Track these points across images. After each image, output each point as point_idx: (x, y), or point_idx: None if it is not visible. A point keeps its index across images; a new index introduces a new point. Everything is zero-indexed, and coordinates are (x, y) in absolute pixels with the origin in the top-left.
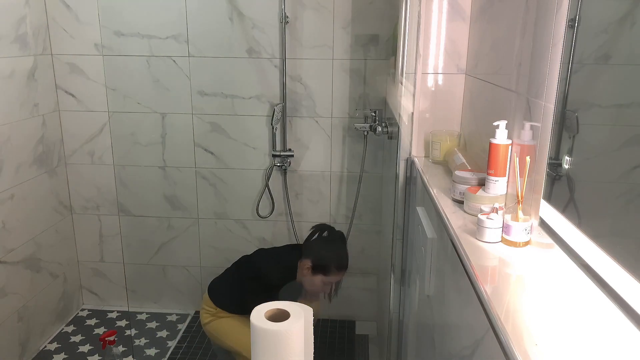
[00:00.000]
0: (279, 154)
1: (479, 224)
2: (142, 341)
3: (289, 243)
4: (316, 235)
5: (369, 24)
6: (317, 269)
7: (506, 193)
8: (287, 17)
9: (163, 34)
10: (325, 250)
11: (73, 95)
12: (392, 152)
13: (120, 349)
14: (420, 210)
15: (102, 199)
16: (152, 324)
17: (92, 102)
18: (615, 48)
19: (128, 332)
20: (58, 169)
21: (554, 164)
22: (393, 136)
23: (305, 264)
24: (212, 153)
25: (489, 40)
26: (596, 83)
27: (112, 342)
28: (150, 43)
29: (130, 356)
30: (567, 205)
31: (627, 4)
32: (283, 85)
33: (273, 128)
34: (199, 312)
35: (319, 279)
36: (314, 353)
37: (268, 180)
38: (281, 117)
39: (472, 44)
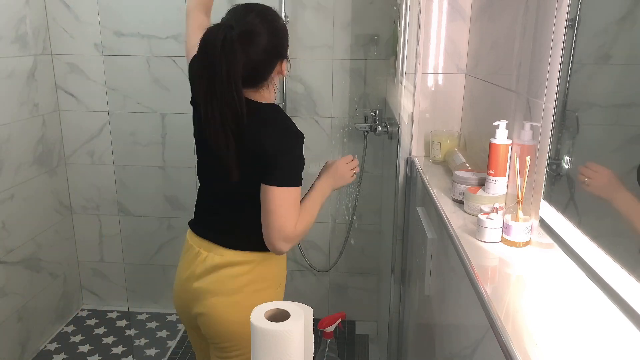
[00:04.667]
0: None
1: (479, 224)
2: (142, 341)
3: None
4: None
5: (369, 24)
6: (284, 48)
7: (506, 193)
8: (287, 17)
9: (163, 34)
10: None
11: (73, 95)
12: (392, 152)
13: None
14: (420, 210)
15: (102, 199)
16: (152, 324)
17: (92, 102)
18: (615, 48)
19: (128, 332)
20: (58, 169)
21: (554, 164)
22: (393, 136)
23: (282, 64)
24: None
25: (489, 40)
26: (596, 83)
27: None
28: (150, 43)
29: (130, 356)
30: (567, 205)
31: (627, 4)
32: (283, 85)
33: None
34: None
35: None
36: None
37: None
38: None
39: (472, 44)
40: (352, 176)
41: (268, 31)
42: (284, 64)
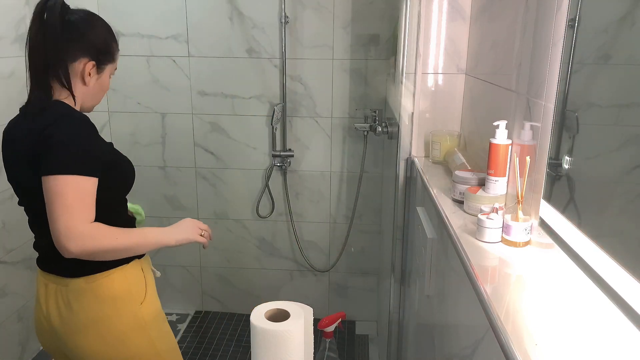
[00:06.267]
0: (279, 154)
1: (479, 224)
2: None
3: (289, 244)
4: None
5: (369, 24)
6: (102, 58)
7: (506, 193)
8: (287, 17)
9: (163, 34)
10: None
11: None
12: (392, 152)
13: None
14: (420, 210)
15: None
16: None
17: None
18: (615, 48)
19: None
20: None
21: (554, 164)
22: (393, 136)
23: (87, 64)
24: (212, 153)
25: (489, 40)
26: (596, 83)
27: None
28: (150, 43)
29: None
30: (567, 205)
31: (627, 4)
32: (283, 85)
33: (273, 128)
34: (199, 312)
35: (111, 69)
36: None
37: (268, 180)
38: (281, 117)
39: (472, 44)
40: (200, 235)
41: (86, 18)
42: (88, 67)
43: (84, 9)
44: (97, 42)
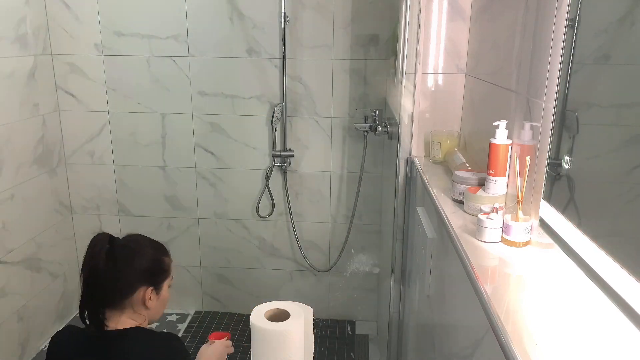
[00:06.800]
0: (279, 154)
1: (479, 224)
2: None
3: (288, 244)
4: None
5: (369, 24)
6: (158, 279)
7: (506, 193)
8: (287, 17)
9: (163, 34)
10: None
11: (73, 95)
12: (392, 152)
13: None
14: (420, 210)
15: (102, 199)
16: (152, 324)
17: (92, 102)
18: (615, 48)
19: None
20: (58, 169)
21: (554, 164)
22: (393, 136)
23: (146, 291)
24: (212, 153)
25: (489, 40)
26: (596, 83)
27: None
28: (150, 43)
29: None
30: (567, 205)
31: (627, 4)
32: (283, 85)
33: (273, 128)
34: (199, 312)
35: (168, 282)
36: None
37: (268, 180)
38: (281, 117)
39: (472, 44)
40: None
41: (130, 247)
42: (147, 294)
43: (128, 236)
44: (148, 266)
